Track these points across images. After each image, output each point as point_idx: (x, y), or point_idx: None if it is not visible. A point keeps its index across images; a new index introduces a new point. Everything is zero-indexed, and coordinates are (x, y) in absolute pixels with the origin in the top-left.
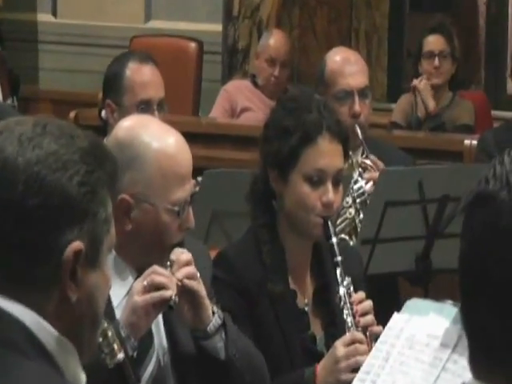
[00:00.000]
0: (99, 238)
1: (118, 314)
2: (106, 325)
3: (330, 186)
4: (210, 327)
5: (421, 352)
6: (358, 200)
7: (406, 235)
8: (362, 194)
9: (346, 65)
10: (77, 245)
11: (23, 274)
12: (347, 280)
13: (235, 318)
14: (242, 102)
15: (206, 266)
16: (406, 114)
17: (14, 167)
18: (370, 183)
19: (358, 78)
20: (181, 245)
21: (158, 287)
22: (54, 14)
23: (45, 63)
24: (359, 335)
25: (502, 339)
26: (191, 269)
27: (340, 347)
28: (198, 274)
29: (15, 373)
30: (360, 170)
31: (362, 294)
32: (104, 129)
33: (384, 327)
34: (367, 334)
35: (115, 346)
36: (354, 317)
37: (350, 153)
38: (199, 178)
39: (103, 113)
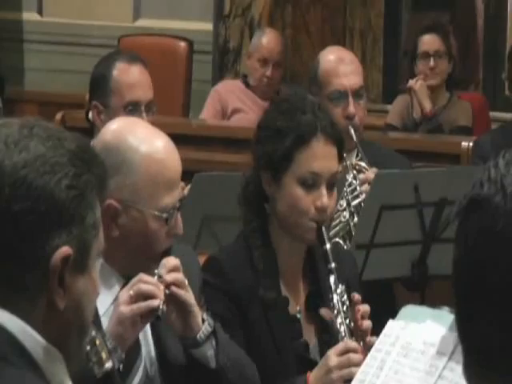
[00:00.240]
0: (88, 242)
1: (105, 321)
2: (93, 333)
3: (324, 189)
4: (200, 335)
5: (416, 360)
6: (352, 203)
7: (401, 240)
8: (357, 196)
9: (340, 64)
10: (65, 250)
11: (10, 280)
12: (341, 288)
13: (226, 324)
14: (233, 103)
15: (195, 271)
16: (402, 116)
17: (1, 171)
18: (366, 185)
19: (352, 78)
20: (168, 250)
21: (145, 296)
22: (40, 12)
23: (31, 63)
24: (353, 344)
25: (499, 346)
26: (179, 276)
27: (333, 357)
28: (187, 282)
29: None
30: (354, 172)
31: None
32: (91, 131)
33: (379, 334)
34: (366, 339)
35: (103, 355)
36: (347, 325)
37: (344, 155)
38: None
39: (90, 114)
